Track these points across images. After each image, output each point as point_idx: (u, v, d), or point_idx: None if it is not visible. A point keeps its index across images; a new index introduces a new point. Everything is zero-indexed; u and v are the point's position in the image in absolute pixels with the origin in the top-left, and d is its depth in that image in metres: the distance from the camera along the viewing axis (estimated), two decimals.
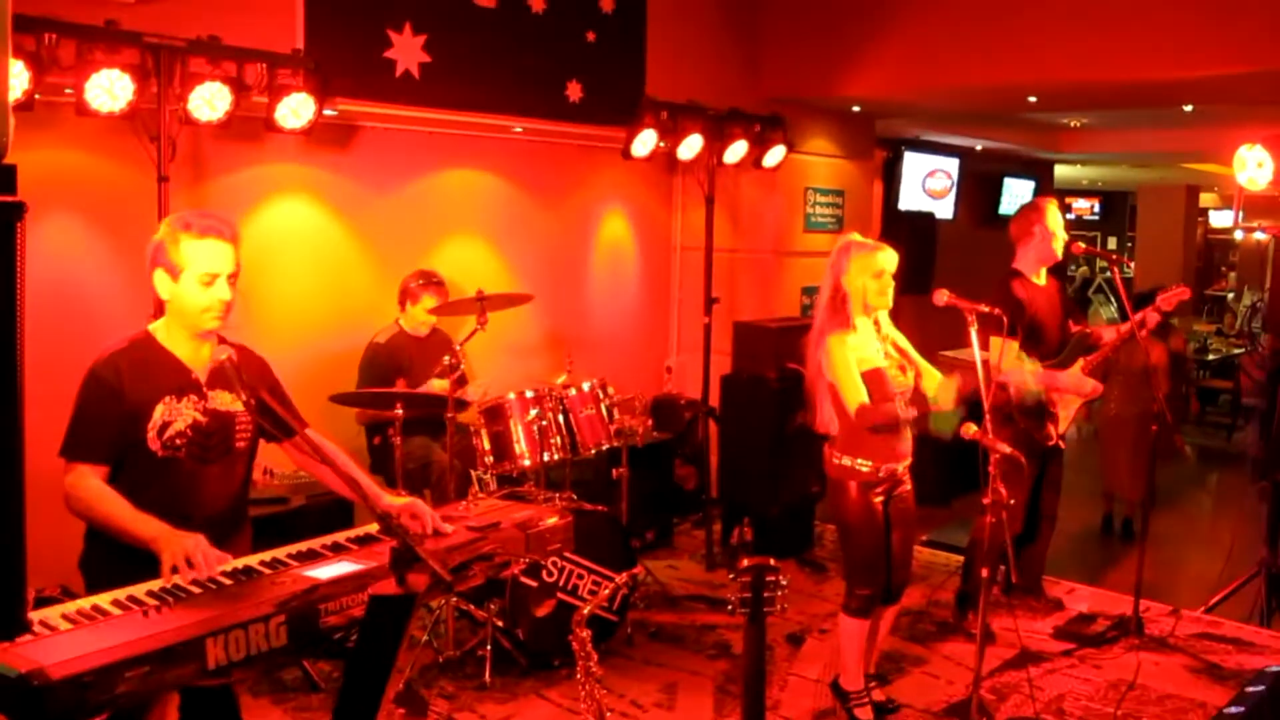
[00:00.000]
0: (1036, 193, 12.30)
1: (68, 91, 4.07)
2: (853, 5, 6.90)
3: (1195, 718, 4.44)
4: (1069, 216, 18.00)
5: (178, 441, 2.83)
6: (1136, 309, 5.09)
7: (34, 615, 2.19)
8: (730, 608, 2.53)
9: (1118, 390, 7.27)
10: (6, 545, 1.35)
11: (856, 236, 4.20)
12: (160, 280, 2.84)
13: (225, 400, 2.93)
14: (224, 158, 5.16)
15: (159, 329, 2.92)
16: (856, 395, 3.98)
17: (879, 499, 4.13)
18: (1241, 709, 4.18)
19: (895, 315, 4.25)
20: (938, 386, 4.05)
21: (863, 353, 4.04)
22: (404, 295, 5.44)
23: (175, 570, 2.46)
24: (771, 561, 2.54)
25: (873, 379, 4.02)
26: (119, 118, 4.16)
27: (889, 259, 4.09)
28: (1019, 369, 4.78)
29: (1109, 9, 5.90)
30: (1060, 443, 5.14)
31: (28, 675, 1.93)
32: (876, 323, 4.16)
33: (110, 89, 4.07)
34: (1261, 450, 9.57)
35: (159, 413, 2.81)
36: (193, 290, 2.82)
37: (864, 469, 4.08)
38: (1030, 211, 5.14)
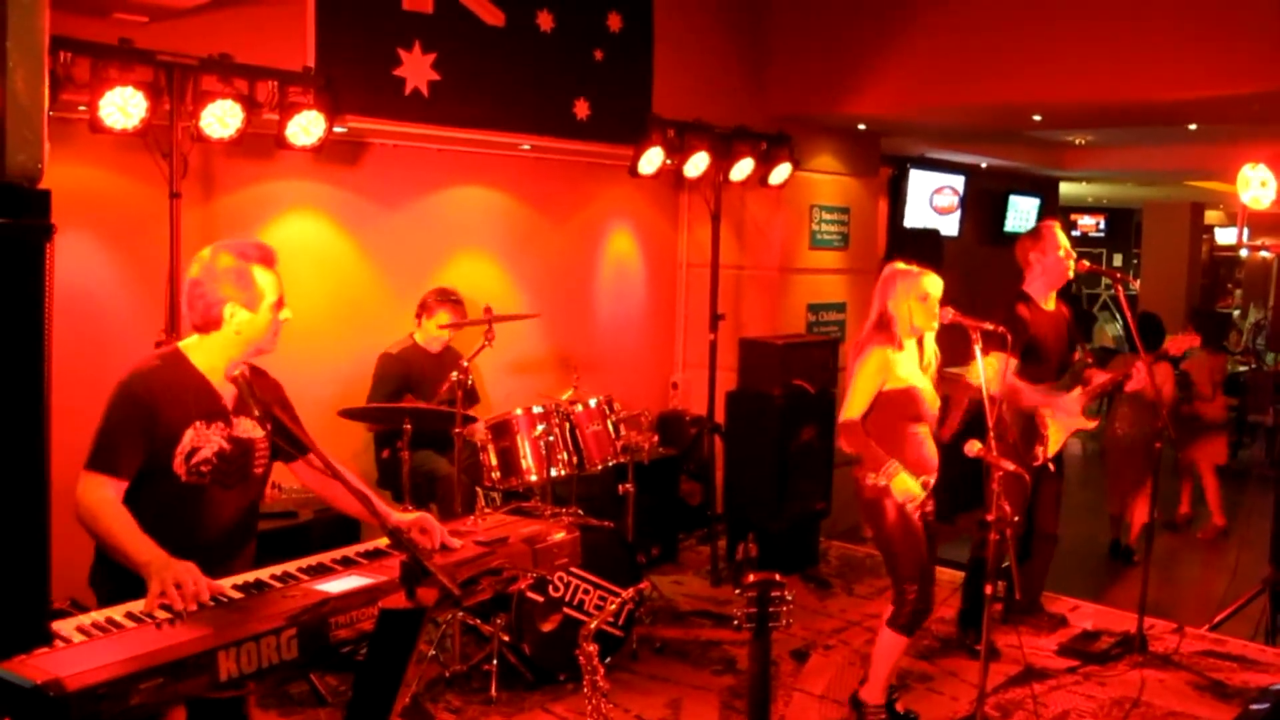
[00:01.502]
0: (1042, 209, 12.32)
1: (81, 109, 4.12)
2: (859, 24, 6.94)
3: None
4: (1074, 234, 18.04)
5: (203, 469, 2.85)
6: (1141, 332, 5.17)
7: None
8: (736, 623, 2.55)
9: (1125, 412, 7.28)
10: (31, 558, 1.39)
11: (901, 265, 4.31)
12: (232, 311, 2.84)
13: (247, 427, 2.95)
14: (235, 174, 5.21)
15: (193, 350, 2.91)
16: (855, 409, 4.16)
17: (915, 510, 4.19)
18: None
19: None
20: None
21: (901, 370, 4.17)
22: (421, 309, 5.49)
23: (163, 595, 2.44)
24: (777, 577, 2.56)
25: (905, 396, 4.15)
26: (132, 135, 4.21)
27: (934, 283, 4.23)
28: (1019, 384, 4.84)
29: (1114, 29, 5.94)
30: (1050, 465, 5.15)
31: (44, 686, 1.96)
32: (921, 343, 4.30)
33: (124, 106, 4.12)
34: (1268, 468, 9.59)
35: (189, 437, 2.82)
36: (268, 317, 2.90)
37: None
38: (1029, 239, 5.19)
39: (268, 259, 2.93)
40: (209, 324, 2.87)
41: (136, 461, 2.76)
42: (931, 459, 4.23)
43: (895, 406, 4.16)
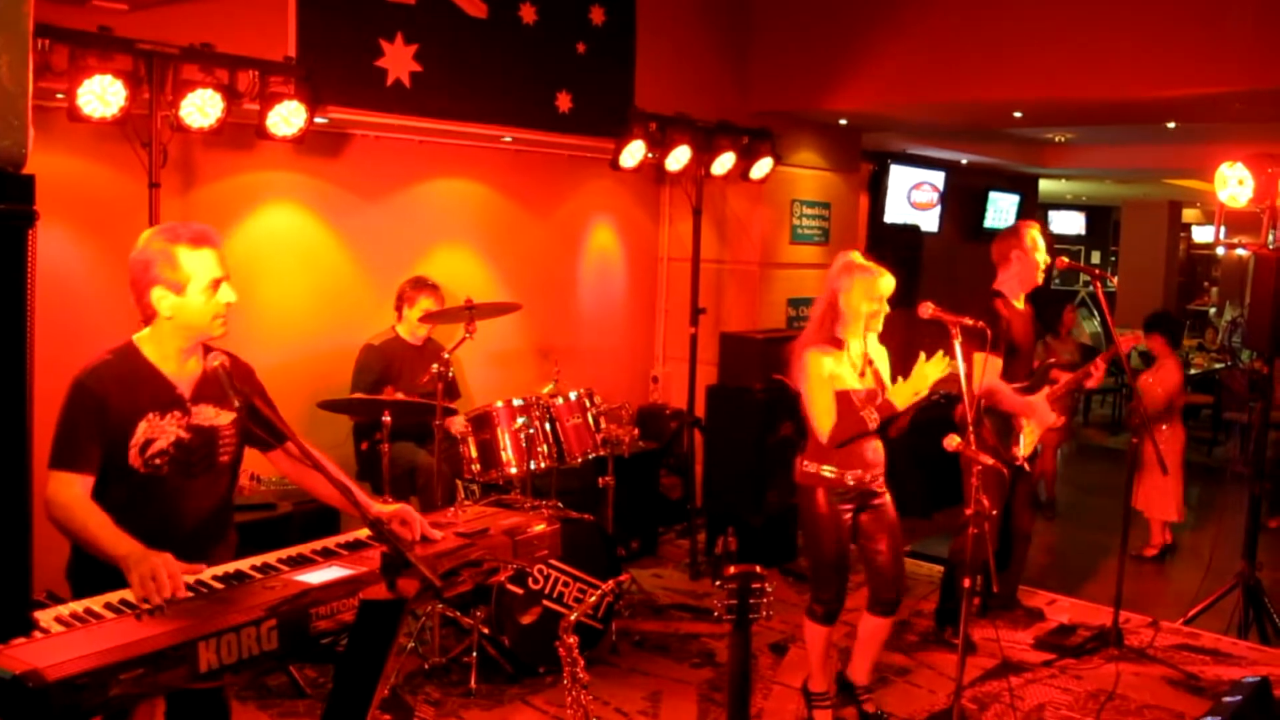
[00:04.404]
0: (1021, 206, 12.39)
1: (59, 97, 4.09)
2: (841, 20, 6.96)
3: None
4: (1052, 230, 18.15)
5: (158, 460, 2.82)
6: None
7: None
8: (717, 614, 2.56)
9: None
10: (13, 544, 1.38)
11: (857, 256, 4.25)
12: (160, 296, 2.79)
13: (209, 415, 2.92)
14: (215, 165, 5.18)
15: (144, 341, 2.88)
16: (827, 418, 4.09)
17: (847, 508, 4.19)
18: (1218, 719, 4.24)
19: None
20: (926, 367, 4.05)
21: (838, 372, 4.12)
22: (400, 301, 5.48)
23: (144, 586, 2.42)
24: (758, 569, 2.57)
25: (841, 400, 4.10)
26: (111, 124, 4.17)
27: (888, 285, 4.17)
28: (1001, 384, 4.89)
29: (1094, 27, 5.98)
30: (1025, 464, 5.19)
31: (22, 677, 1.95)
32: (864, 342, 4.23)
33: (102, 95, 4.08)
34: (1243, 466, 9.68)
35: (141, 430, 2.79)
36: (200, 300, 2.82)
37: (829, 475, 4.17)
38: (1008, 237, 5.22)
39: (199, 239, 2.83)
40: (145, 310, 2.84)
41: (96, 455, 2.74)
42: (870, 454, 4.20)
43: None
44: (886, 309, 4.19)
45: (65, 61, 4.01)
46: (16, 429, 1.34)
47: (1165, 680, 4.95)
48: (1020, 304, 5.19)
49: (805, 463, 4.23)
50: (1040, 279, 5.17)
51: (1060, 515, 8.32)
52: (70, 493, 2.68)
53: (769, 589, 2.59)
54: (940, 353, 4.00)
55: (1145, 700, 4.73)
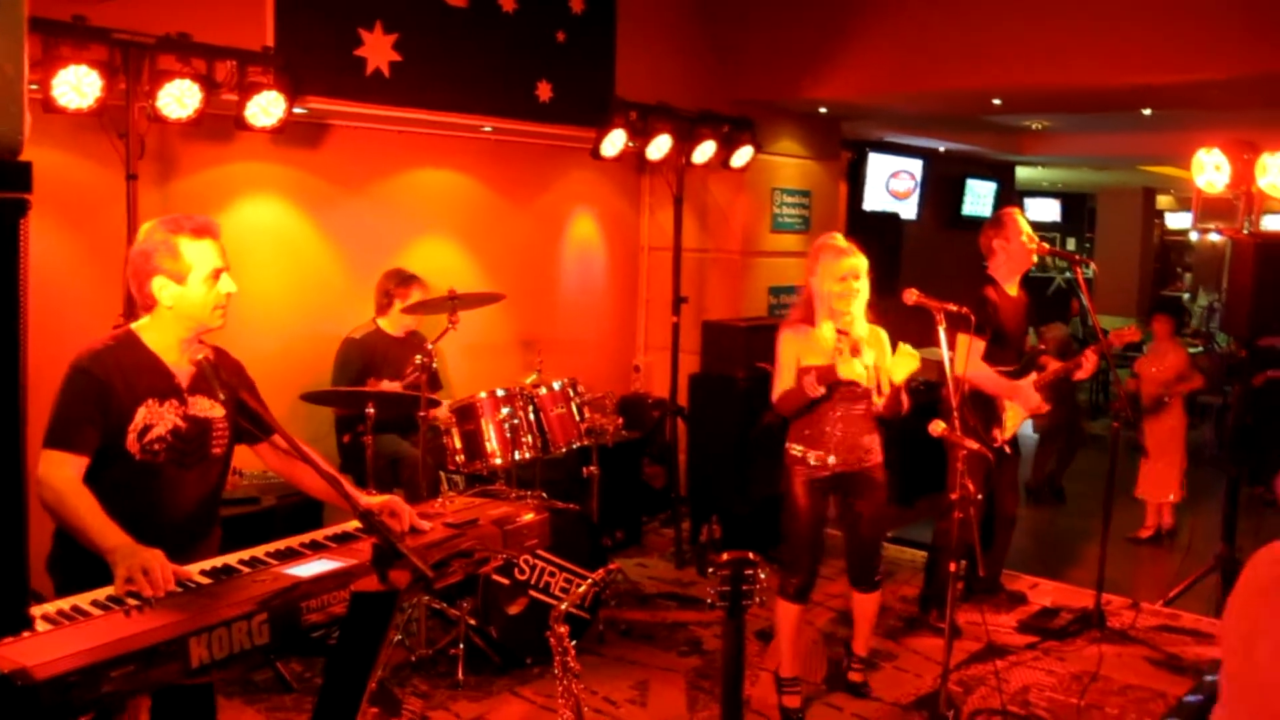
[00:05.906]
0: (998, 193, 12.43)
1: (34, 87, 4.02)
2: (821, 9, 6.95)
3: (1156, 707, 4.53)
4: (1029, 217, 18.22)
5: (156, 446, 2.81)
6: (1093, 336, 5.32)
7: None
8: (710, 601, 2.55)
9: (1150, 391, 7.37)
10: (9, 540, 1.36)
11: (837, 240, 4.26)
12: (162, 286, 2.80)
13: (204, 406, 2.92)
14: (193, 156, 5.13)
15: (144, 329, 2.88)
16: (780, 386, 4.20)
17: (820, 489, 4.26)
18: (1199, 698, 4.27)
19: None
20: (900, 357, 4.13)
21: (813, 349, 4.16)
22: (387, 296, 5.41)
23: (130, 581, 2.41)
24: (751, 555, 2.57)
25: (798, 373, 4.14)
26: (87, 114, 4.13)
27: (849, 265, 4.15)
28: (986, 371, 4.92)
29: (1071, 15, 5.99)
30: (1006, 447, 5.22)
31: (11, 675, 1.92)
32: (849, 322, 4.20)
33: (78, 85, 4.03)
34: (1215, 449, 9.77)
35: (140, 415, 2.79)
36: (201, 290, 2.83)
37: (797, 454, 4.27)
38: (992, 226, 5.25)
39: (201, 230, 2.85)
40: (146, 300, 2.85)
41: (94, 438, 2.73)
42: (839, 438, 4.21)
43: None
44: (861, 289, 4.17)
45: (39, 51, 3.96)
46: (10, 421, 1.32)
47: (1147, 660, 5.00)
48: (1013, 290, 5.21)
49: (788, 444, 4.33)
50: (1032, 261, 5.20)
51: (1045, 501, 8.38)
52: (63, 473, 2.66)
53: (762, 575, 2.59)
54: (905, 346, 4.05)
55: (1128, 680, 4.77)
